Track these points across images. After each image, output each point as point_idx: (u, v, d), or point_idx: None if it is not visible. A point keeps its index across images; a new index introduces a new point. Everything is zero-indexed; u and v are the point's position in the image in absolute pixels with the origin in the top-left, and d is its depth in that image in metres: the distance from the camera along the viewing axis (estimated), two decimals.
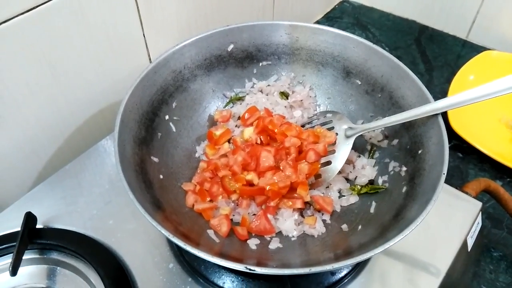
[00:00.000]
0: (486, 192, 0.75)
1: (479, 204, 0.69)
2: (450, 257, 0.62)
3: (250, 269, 0.44)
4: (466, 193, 0.71)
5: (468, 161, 0.91)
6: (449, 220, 0.67)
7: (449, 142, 0.75)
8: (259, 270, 0.45)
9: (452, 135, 0.91)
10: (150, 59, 0.82)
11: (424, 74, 1.11)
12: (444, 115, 0.90)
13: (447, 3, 1.19)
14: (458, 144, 0.93)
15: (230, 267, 0.45)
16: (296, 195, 0.62)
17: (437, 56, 1.17)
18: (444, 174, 0.52)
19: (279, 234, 0.61)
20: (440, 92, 1.04)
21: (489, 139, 0.92)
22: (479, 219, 0.69)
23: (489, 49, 1.12)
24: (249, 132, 0.67)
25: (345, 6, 1.36)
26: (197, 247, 0.46)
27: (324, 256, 0.56)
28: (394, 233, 0.48)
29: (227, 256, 0.47)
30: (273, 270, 0.46)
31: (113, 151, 0.72)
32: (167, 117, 0.67)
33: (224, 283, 0.59)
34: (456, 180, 0.88)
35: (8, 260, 0.59)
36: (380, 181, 0.64)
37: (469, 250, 0.67)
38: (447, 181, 0.70)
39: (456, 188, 0.71)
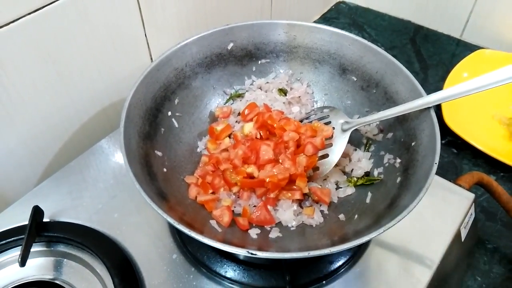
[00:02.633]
0: (479, 185, 0.77)
1: (472, 196, 0.71)
2: (444, 246, 0.64)
3: (252, 253, 0.46)
4: (460, 185, 0.73)
5: (462, 157, 0.93)
6: (443, 211, 0.69)
7: (444, 138, 0.77)
8: (260, 254, 0.46)
9: (447, 131, 0.93)
10: (151, 58, 0.84)
11: (419, 73, 1.13)
12: (439, 112, 0.92)
13: (441, 3, 1.22)
14: (453, 140, 0.95)
15: (233, 252, 0.47)
16: (295, 187, 0.64)
17: (432, 55, 1.19)
18: (436, 163, 0.54)
19: (279, 224, 0.63)
20: (434, 90, 1.03)
21: (482, 135, 0.94)
22: (472, 210, 0.71)
23: (482, 48, 1.14)
24: (249, 127, 0.69)
25: (341, 7, 1.38)
26: (202, 234, 0.48)
27: (322, 243, 0.57)
28: (388, 220, 0.50)
29: (230, 243, 0.48)
30: (274, 254, 0.48)
31: (116, 148, 0.75)
32: (169, 113, 0.69)
33: (226, 272, 0.61)
34: (451, 175, 0.90)
35: (17, 252, 0.61)
36: (375, 173, 0.66)
37: (462, 240, 0.69)
38: (441, 176, 0.72)
39: (450, 181, 0.73)
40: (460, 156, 0.93)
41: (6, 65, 0.62)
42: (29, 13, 0.61)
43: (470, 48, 1.19)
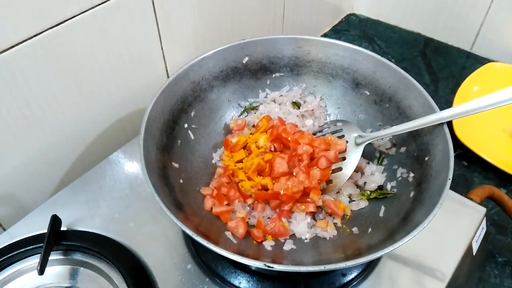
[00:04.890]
0: (490, 199, 0.77)
1: (483, 210, 0.71)
2: (456, 260, 0.65)
3: (268, 266, 0.47)
4: (471, 199, 0.73)
5: (473, 170, 0.93)
6: (455, 225, 0.69)
7: (455, 151, 0.77)
8: (277, 267, 0.47)
9: (458, 144, 0.93)
10: (167, 71, 0.86)
11: (429, 85, 1.14)
12: (450, 125, 0.92)
13: (451, 16, 1.22)
14: (463, 153, 0.95)
15: (250, 264, 0.48)
16: (308, 199, 0.64)
17: (442, 67, 1.20)
18: (449, 179, 0.54)
19: (293, 236, 0.63)
20: (445, 103, 1.07)
21: (493, 148, 0.94)
22: (484, 224, 0.71)
23: (492, 61, 1.14)
24: (263, 140, 0.70)
25: (352, 19, 1.40)
26: (218, 246, 0.49)
27: (336, 257, 0.58)
28: (402, 235, 0.51)
29: (245, 255, 0.49)
30: (290, 267, 0.48)
31: (131, 158, 0.76)
32: (186, 125, 0.70)
33: (240, 283, 0.61)
34: (462, 188, 0.90)
35: (35, 260, 0.62)
36: (388, 186, 0.67)
37: (474, 254, 0.70)
38: (452, 189, 0.72)
39: (461, 195, 0.73)
40: (471, 169, 0.94)
41: (28, 77, 0.64)
42: (51, 27, 0.63)
43: (481, 61, 1.19)
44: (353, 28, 1.36)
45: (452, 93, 1.05)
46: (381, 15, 1.37)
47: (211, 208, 0.65)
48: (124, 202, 0.70)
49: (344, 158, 0.68)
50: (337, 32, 1.34)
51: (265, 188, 0.65)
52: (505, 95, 0.57)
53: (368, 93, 0.74)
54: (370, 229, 0.62)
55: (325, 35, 1.33)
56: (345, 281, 0.62)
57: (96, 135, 0.80)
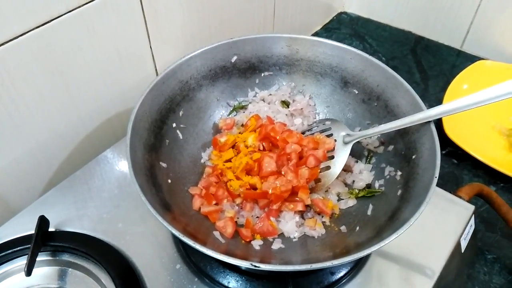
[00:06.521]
0: (479, 197, 0.78)
1: (471, 208, 0.71)
2: (444, 258, 0.65)
3: (255, 266, 0.47)
4: (460, 197, 0.73)
5: (462, 167, 0.94)
6: (443, 222, 0.69)
7: (444, 149, 0.78)
8: (264, 266, 0.47)
9: (447, 142, 0.94)
10: (156, 69, 0.85)
11: (419, 83, 1.14)
12: (439, 123, 0.93)
13: (442, 14, 1.23)
14: (453, 150, 0.95)
15: (237, 264, 0.48)
16: (297, 198, 0.64)
17: (433, 65, 1.20)
18: (436, 177, 0.54)
19: (281, 235, 0.63)
20: (435, 101, 1.07)
21: (482, 146, 0.95)
22: (472, 221, 0.72)
23: (482, 59, 1.15)
24: (252, 139, 0.70)
25: (343, 17, 1.40)
26: (205, 246, 0.49)
27: (324, 255, 0.58)
28: (389, 233, 0.51)
29: (233, 255, 0.49)
30: (277, 266, 0.48)
31: (120, 158, 0.76)
32: (174, 124, 0.70)
33: (229, 282, 0.61)
34: (451, 185, 0.90)
35: (23, 261, 0.62)
36: (376, 185, 0.67)
37: (462, 251, 0.70)
38: (442, 186, 0.73)
39: (450, 193, 0.74)
40: (460, 166, 0.94)
41: (14, 77, 0.63)
42: (38, 27, 0.62)
43: (471, 59, 1.20)
44: (344, 27, 1.36)
45: (442, 91, 1.05)
46: (372, 13, 1.38)
47: (200, 208, 0.65)
48: (112, 202, 0.70)
49: (332, 157, 0.68)
50: (328, 30, 1.34)
51: (253, 188, 0.65)
52: (490, 93, 0.58)
53: (356, 92, 0.74)
54: (358, 228, 0.62)
55: (316, 34, 1.33)
56: (334, 279, 0.62)
57: (84, 135, 0.80)
